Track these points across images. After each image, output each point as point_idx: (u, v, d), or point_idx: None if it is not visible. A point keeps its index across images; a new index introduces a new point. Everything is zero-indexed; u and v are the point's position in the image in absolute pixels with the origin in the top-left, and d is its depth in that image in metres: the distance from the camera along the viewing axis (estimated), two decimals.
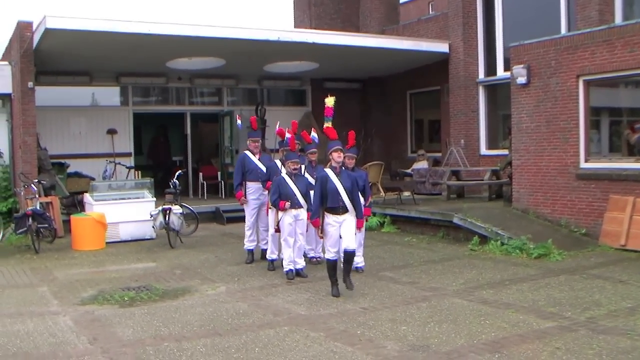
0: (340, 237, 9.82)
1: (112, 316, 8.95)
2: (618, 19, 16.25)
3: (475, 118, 20.02)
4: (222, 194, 21.06)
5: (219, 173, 21.83)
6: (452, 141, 20.09)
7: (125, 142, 21.13)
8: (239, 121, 13.99)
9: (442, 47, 20.23)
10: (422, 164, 20.38)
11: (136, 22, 15.95)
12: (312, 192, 11.00)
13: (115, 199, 15.85)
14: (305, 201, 10.95)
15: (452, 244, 14.34)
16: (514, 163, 15.55)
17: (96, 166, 19.97)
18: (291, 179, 11.00)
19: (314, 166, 12.21)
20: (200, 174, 21.42)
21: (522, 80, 15.11)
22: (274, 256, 12.14)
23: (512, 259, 12.38)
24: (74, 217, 14.94)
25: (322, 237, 10.03)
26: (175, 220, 14.32)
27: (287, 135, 12.12)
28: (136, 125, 21.86)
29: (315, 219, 9.89)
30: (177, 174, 16.13)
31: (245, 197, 12.66)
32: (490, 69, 19.85)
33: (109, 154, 20.41)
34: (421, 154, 21.10)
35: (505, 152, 16.97)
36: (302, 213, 11.05)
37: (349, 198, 9.73)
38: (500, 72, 19.24)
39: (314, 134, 12.43)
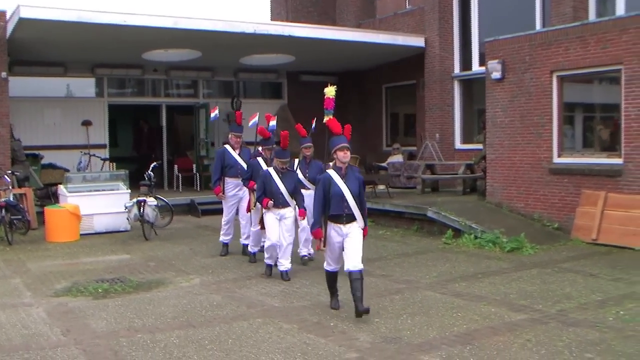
0: (343, 250, 8.40)
1: (86, 308, 8.93)
2: (592, 15, 16.40)
3: (451, 112, 20.13)
4: (197, 187, 21.01)
5: (194, 165, 21.77)
6: (427, 135, 20.19)
7: (100, 133, 21.02)
8: (212, 113, 13.85)
9: (418, 41, 20.30)
10: (397, 158, 20.47)
11: (111, 12, 15.84)
12: (305, 192, 10.84)
13: (90, 191, 15.77)
14: (295, 199, 10.36)
15: (426, 237, 14.42)
16: (488, 157, 15.66)
17: (71, 158, 19.85)
18: (278, 175, 10.28)
19: (308, 162, 11.76)
20: (176, 166, 21.35)
21: (496, 75, 15.22)
22: (256, 249, 11.88)
23: (485, 252, 12.48)
24: (48, 209, 14.85)
25: (323, 249, 8.57)
26: (149, 213, 14.28)
27: (272, 123, 11.80)
28: (111, 117, 21.74)
29: (317, 229, 8.46)
30: (152, 166, 16.08)
31: (224, 193, 12.37)
32: (466, 63, 19.95)
33: (84, 146, 20.29)
34: (396, 148, 21.19)
35: (480, 146, 17.10)
36: (289, 212, 10.39)
37: (356, 204, 8.32)
38: (476, 67, 19.36)
39: (272, 122, 12.05)
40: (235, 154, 12.34)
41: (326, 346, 7.15)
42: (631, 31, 12.76)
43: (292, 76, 23.66)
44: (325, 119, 8.69)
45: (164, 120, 22.54)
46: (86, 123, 20.59)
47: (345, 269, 8.21)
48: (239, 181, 12.14)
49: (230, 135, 12.54)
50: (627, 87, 12.87)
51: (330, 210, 8.35)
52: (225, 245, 12.71)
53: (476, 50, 19.46)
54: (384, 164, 20.40)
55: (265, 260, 10.81)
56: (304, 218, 10.64)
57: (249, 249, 12.00)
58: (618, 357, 6.65)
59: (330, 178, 8.41)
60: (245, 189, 12.00)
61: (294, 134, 11.45)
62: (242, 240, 12.54)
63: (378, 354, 6.82)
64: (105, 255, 12.73)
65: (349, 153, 8.41)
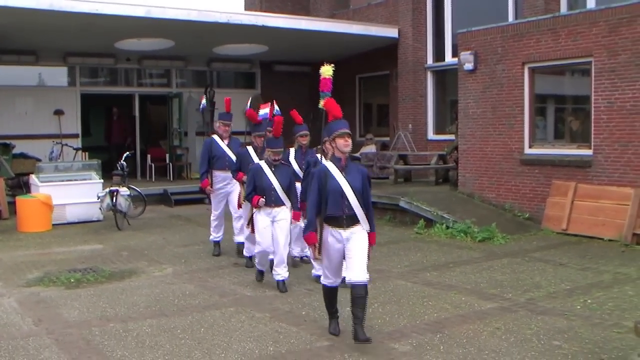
0: (344, 259, 6.99)
1: (58, 298, 8.91)
2: (563, 8, 16.54)
3: (423, 103, 20.22)
4: (170, 176, 20.95)
5: (167, 155, 21.70)
6: (400, 125, 20.27)
7: (72, 123, 20.86)
8: (203, 101, 13.62)
9: (392, 32, 20.35)
10: (370, 148, 20.54)
11: (84, 1, 15.71)
12: (298, 185, 9.57)
13: (62, 181, 15.67)
14: (289, 197, 9.08)
15: (398, 227, 14.51)
16: (460, 148, 15.78)
17: (42, 147, 19.70)
18: (271, 168, 9.00)
19: (304, 152, 10.59)
20: (149, 156, 21.28)
21: (469, 66, 15.33)
22: (249, 253, 10.59)
23: (456, 242, 12.59)
24: (20, 199, 14.74)
25: (318, 259, 7.07)
26: (122, 202, 14.24)
27: (263, 112, 10.45)
28: (84, 106, 21.59)
29: (310, 233, 6.94)
30: (124, 155, 16.02)
31: (212, 187, 11.41)
32: (439, 54, 20.04)
33: (56, 135, 20.16)
34: (369, 138, 21.25)
35: (452, 137, 17.21)
36: (283, 212, 9.06)
37: (359, 204, 6.87)
38: (449, 58, 19.44)
39: (264, 110, 10.58)
40: (223, 145, 11.33)
41: (298, 335, 7.21)
42: (601, 24, 12.90)
43: (266, 66, 23.64)
44: (321, 102, 7.32)
45: (136, 110, 22.44)
46: (58, 112, 20.44)
47: (347, 280, 6.85)
48: (228, 174, 11.11)
49: (217, 124, 11.55)
50: (597, 80, 13.02)
51: (327, 211, 6.85)
52: (217, 243, 11.74)
53: (449, 42, 19.55)
54: (356, 155, 20.45)
55: (257, 265, 9.72)
56: (299, 220, 9.38)
57: (245, 252, 10.70)
58: (585, 344, 6.77)
59: (326, 171, 6.93)
60: (235, 182, 10.96)
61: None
62: (236, 238, 11.45)
63: (349, 342, 6.88)
64: (77, 245, 12.68)
65: (350, 141, 6.95)
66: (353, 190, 6.84)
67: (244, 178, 9.94)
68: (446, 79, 20.03)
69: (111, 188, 14.28)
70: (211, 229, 11.76)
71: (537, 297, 8.64)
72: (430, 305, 8.32)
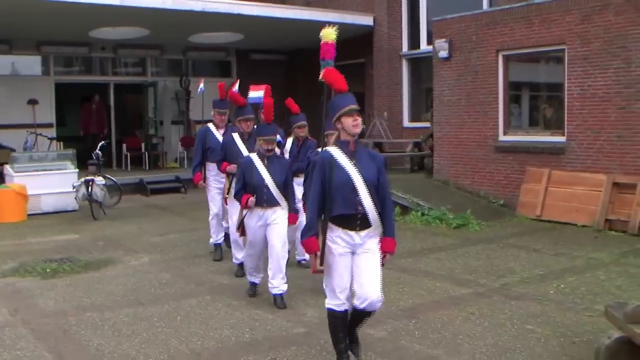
0: (353, 276, 5.63)
1: (34, 288, 8.88)
2: None
3: (399, 91, 20.26)
4: (145, 166, 20.88)
5: (142, 144, 21.61)
6: (375, 113, 20.31)
7: (47, 112, 20.68)
8: (201, 85, 13.07)
9: (367, 20, 20.35)
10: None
11: None
12: (295, 184, 8.46)
13: (37, 171, 15.57)
14: (284, 196, 7.79)
15: None
16: (435, 135, 15.86)
17: (16, 137, 19.48)
18: (263, 161, 7.72)
19: (300, 144, 9.68)
20: (124, 145, 21.19)
21: (443, 54, 15.40)
22: (237, 261, 9.32)
23: (432, 228, 12.69)
24: None
25: (320, 271, 5.64)
26: (98, 192, 14.20)
27: (255, 94, 9.21)
28: (58, 96, 21.41)
29: (310, 239, 5.54)
30: (99, 145, 15.96)
31: (205, 181, 10.39)
32: (414, 42, 20.07)
33: (30, 125, 20.00)
34: None
35: (427, 124, 17.29)
36: (278, 214, 7.77)
37: (372, 200, 5.51)
38: (424, 45, 19.48)
39: (256, 93, 9.14)
40: (219, 135, 10.22)
41: (274, 322, 7.26)
42: (574, 12, 13.01)
43: (242, 55, 23.57)
44: (322, 72, 6.02)
45: (112, 99, 22.31)
46: (32, 102, 20.28)
47: (353, 303, 5.64)
48: None
49: (213, 113, 10.44)
50: (570, 67, 13.14)
51: (333, 209, 5.49)
52: (217, 246, 10.58)
53: (424, 30, 19.59)
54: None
55: (248, 277, 8.42)
56: (294, 224, 8.25)
57: (233, 259, 9.41)
58: (557, 328, 6.88)
59: (331, 159, 5.55)
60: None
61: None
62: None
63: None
64: (53, 235, 12.63)
65: (360, 120, 5.61)
66: (366, 183, 5.48)
67: (229, 168, 9.03)
68: (421, 66, 20.06)
69: (86, 178, 14.23)
70: (211, 231, 10.63)
71: (511, 283, 8.74)
72: (405, 291, 8.39)
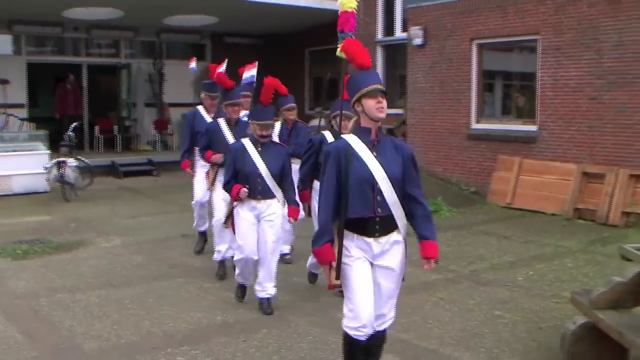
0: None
1: (4, 269, 8.85)
2: None
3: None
4: (118, 148, 20.78)
5: (115, 127, 21.49)
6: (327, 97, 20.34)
7: (18, 93, 20.44)
8: (192, 64, 11.80)
9: None
10: (318, 122, 20.57)
11: None
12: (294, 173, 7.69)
13: (7, 151, 15.43)
14: (281, 187, 7.04)
15: None
16: (408, 122, 15.94)
17: None
18: (257, 148, 6.96)
19: (290, 128, 9.10)
20: (97, 127, 21.05)
21: (418, 41, 15.46)
22: (225, 254, 8.53)
23: None
24: None
25: (337, 286, 4.71)
26: (70, 174, 14.15)
27: (249, 74, 8.81)
28: (31, 76, 21.18)
29: (324, 246, 4.58)
30: (72, 126, 15.85)
31: (193, 168, 9.63)
32: (389, 29, 20.09)
33: (1, 105, 19.80)
34: (318, 111, 21.30)
35: (401, 111, 17.35)
36: (273, 208, 6.99)
37: (399, 199, 4.67)
38: (398, 33, 19.49)
39: (249, 72, 8.96)
40: (208, 119, 9.36)
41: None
42: (548, 3, 13.11)
43: (216, 38, 23.47)
44: (340, 45, 5.14)
45: (85, 81, 22.13)
46: (3, 82, 20.04)
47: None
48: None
49: (203, 95, 9.62)
50: (543, 57, 13.25)
51: (348, 211, 4.56)
52: (202, 234, 9.91)
53: (399, 17, 19.61)
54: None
55: (236, 277, 7.46)
56: (296, 219, 7.36)
57: (214, 255, 8.65)
58: (525, 313, 6.99)
59: (348, 149, 4.62)
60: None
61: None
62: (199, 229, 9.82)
63: (296, 310, 7.01)
64: (24, 217, 12.54)
65: (385, 102, 4.65)
66: (390, 179, 4.60)
67: (214, 158, 8.33)
68: (396, 53, 20.11)
69: (58, 159, 14.15)
70: (194, 216, 9.84)
71: (481, 269, 8.86)
72: None
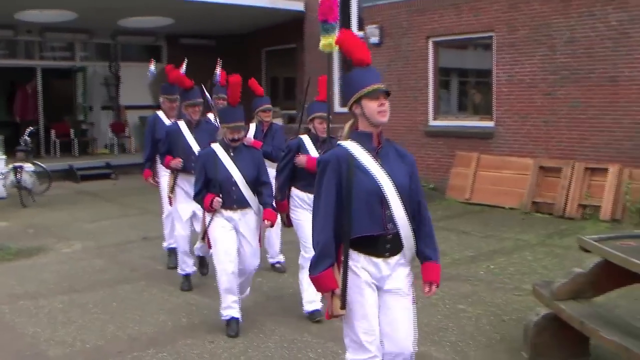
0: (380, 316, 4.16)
1: None
2: None
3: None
4: (75, 152, 20.56)
5: (71, 131, 21.27)
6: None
7: None
8: (151, 67, 11.30)
9: (298, 5, 20.38)
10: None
11: None
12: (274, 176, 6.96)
13: None
14: (257, 194, 6.49)
15: None
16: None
17: None
18: (229, 153, 6.39)
19: (266, 131, 8.56)
20: (53, 131, 20.81)
21: (374, 40, 15.56)
22: (189, 269, 8.09)
23: None
24: None
25: (341, 316, 4.09)
26: (27, 179, 14.01)
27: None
28: None
29: (325, 272, 4.00)
30: (28, 131, 15.66)
31: (155, 178, 9.04)
32: (345, 28, 20.15)
33: None
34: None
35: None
36: (249, 218, 6.47)
37: (407, 215, 4.09)
38: (355, 31, 19.61)
39: (152, 67, 8.61)
40: (168, 123, 8.69)
41: (210, 306, 7.27)
42: (501, 1, 13.28)
43: (172, 39, 23.33)
44: (326, 39, 4.81)
45: (39, 84, 21.86)
46: None
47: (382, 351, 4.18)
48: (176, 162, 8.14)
49: (161, 99, 9.04)
50: (498, 54, 13.43)
51: (355, 229, 4.00)
52: (171, 251, 9.04)
53: (355, 15, 19.73)
54: None
55: (223, 310, 6.50)
56: (273, 224, 6.70)
57: (179, 268, 8.15)
58: (488, 307, 7.10)
59: (349, 157, 4.06)
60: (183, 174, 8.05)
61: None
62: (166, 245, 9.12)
63: (261, 310, 7.04)
64: None
65: (388, 105, 4.10)
66: (398, 191, 4.05)
67: (174, 163, 7.86)
68: None
69: (15, 164, 13.99)
70: (164, 232, 9.20)
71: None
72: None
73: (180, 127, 7.94)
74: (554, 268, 8.54)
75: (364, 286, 4.06)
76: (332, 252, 4.01)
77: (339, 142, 4.24)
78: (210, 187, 6.36)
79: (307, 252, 6.49)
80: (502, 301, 7.30)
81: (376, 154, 4.11)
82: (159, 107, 9.23)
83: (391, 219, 4.05)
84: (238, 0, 19.27)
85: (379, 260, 4.09)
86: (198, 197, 6.42)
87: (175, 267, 8.53)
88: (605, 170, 11.73)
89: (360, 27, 18.00)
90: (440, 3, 14.36)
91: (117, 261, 9.48)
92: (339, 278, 4.00)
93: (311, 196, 5.95)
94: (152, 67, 11.22)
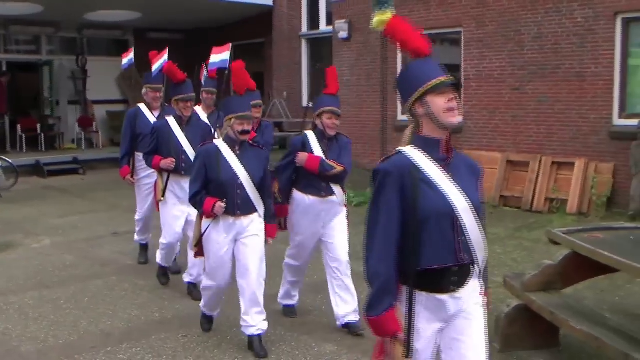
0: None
1: None
2: None
3: (298, 71, 20.40)
4: (41, 147, 20.35)
5: (38, 125, 21.05)
6: (275, 93, 20.41)
7: None
8: (125, 59, 10.37)
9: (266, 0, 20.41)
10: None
11: None
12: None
13: None
14: (262, 198, 5.81)
15: None
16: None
17: None
18: (234, 151, 5.73)
19: (255, 128, 7.51)
20: (19, 126, 20.57)
21: (343, 34, 15.62)
22: (191, 278, 7.42)
23: None
24: None
25: None
26: None
27: (216, 59, 7.52)
28: None
29: (387, 312, 3.28)
30: None
31: (134, 175, 8.42)
32: (313, 23, 20.24)
33: None
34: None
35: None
36: (255, 226, 5.77)
37: (483, 238, 3.39)
38: (323, 26, 19.68)
39: (219, 56, 7.52)
40: (152, 117, 8.29)
41: (182, 300, 7.32)
42: None
43: (139, 33, 23.16)
44: (381, 15, 3.66)
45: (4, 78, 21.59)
46: None
47: None
48: None
49: (145, 90, 8.47)
50: (467, 49, 13.55)
51: (421, 260, 3.29)
52: (143, 246, 8.90)
53: (323, 10, 19.79)
54: None
55: (202, 309, 6.38)
56: (273, 237, 6.13)
57: (184, 275, 7.54)
58: None
59: (415, 170, 3.33)
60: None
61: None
62: (159, 259, 7.92)
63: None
64: None
65: (456, 103, 3.43)
66: (474, 212, 3.34)
67: (164, 163, 7.15)
68: (321, 47, 20.26)
69: None
70: (135, 230, 8.87)
71: None
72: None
73: (170, 123, 7.22)
74: (523, 261, 8.67)
75: (424, 334, 3.37)
76: (394, 288, 3.31)
77: (399, 148, 3.44)
78: (211, 190, 5.62)
79: (295, 259, 6.71)
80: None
81: (446, 164, 3.39)
82: (126, 102, 9.06)
83: (465, 246, 3.32)
84: None
85: (445, 297, 3.35)
86: (195, 199, 5.64)
87: (145, 263, 8.74)
88: (572, 164, 11.90)
89: (329, 21, 18.06)
90: None
91: (88, 256, 9.43)
92: (404, 322, 3.31)
93: (313, 198, 6.13)
94: (127, 58, 10.32)
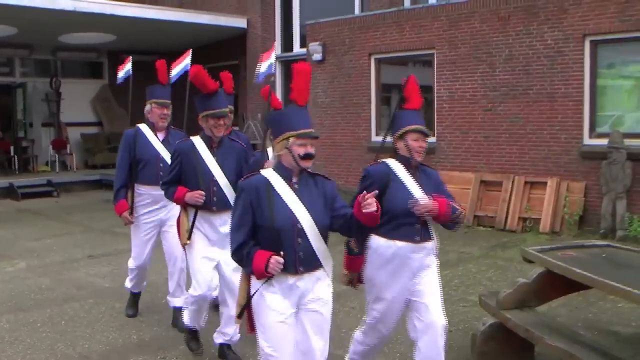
0: None
1: None
2: (407, 2, 17.17)
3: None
4: (15, 169, 20.26)
5: (11, 147, 20.95)
6: (249, 115, 20.47)
7: None
8: (121, 71, 9.14)
9: (240, 22, 20.47)
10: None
11: None
12: None
13: None
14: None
15: None
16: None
17: None
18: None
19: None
20: None
21: (317, 56, 15.76)
22: (178, 302, 6.96)
23: None
24: None
25: None
26: None
27: (176, 70, 7.05)
28: None
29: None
30: None
31: (133, 213, 7.05)
32: (287, 45, 20.34)
33: None
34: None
35: None
36: (322, 287, 4.36)
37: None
38: (297, 48, 19.78)
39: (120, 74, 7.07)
40: (155, 141, 7.04)
41: (160, 322, 7.32)
42: (442, 19, 13.60)
43: (114, 55, 23.12)
44: None
45: None
46: None
47: None
48: (161, 191, 6.23)
49: (148, 107, 7.09)
50: (439, 71, 13.72)
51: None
52: (135, 295, 7.66)
53: (297, 32, 19.89)
54: None
55: (187, 322, 6.16)
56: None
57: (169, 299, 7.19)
58: None
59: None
60: (172, 207, 6.70)
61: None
62: (171, 299, 7.17)
63: (211, 326, 7.06)
64: None
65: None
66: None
67: (190, 197, 5.77)
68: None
69: None
70: (128, 277, 7.56)
71: None
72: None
73: (197, 145, 5.87)
74: (497, 279, 8.76)
75: None
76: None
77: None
78: (259, 239, 4.23)
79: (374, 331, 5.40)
80: (449, 312, 7.39)
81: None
82: (100, 124, 8.53)
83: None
84: (180, 17, 19.32)
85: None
86: (241, 254, 4.19)
87: (133, 316, 7.49)
88: (544, 183, 12.07)
89: (303, 44, 18.18)
90: (382, 21, 14.62)
91: (63, 279, 9.40)
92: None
93: (402, 244, 5.16)
94: (121, 73, 9.08)
